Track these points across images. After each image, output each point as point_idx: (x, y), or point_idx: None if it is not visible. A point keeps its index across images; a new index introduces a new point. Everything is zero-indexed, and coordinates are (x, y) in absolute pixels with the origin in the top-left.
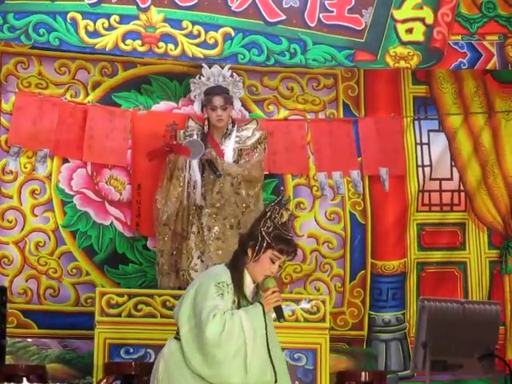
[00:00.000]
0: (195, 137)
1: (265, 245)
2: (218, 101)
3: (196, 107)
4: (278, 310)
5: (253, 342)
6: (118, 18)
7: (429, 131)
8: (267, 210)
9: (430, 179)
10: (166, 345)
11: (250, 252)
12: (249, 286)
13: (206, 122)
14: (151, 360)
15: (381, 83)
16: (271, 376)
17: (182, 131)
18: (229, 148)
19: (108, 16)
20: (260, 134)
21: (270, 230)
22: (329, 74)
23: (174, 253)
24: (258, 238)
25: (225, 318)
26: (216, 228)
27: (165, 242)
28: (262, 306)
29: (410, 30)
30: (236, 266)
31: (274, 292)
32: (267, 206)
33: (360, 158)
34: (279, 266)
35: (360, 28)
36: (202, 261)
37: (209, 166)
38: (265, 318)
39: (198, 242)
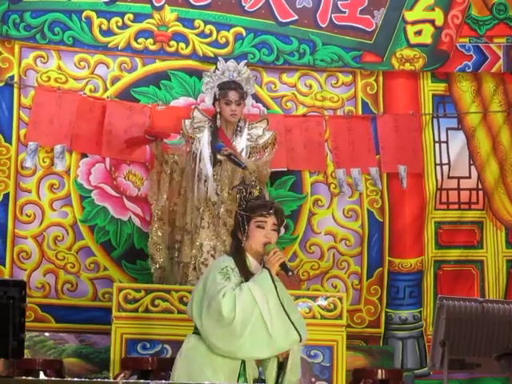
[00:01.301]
0: (206, 130)
1: (245, 219)
2: (233, 95)
3: (207, 100)
4: (284, 266)
5: (267, 308)
6: (132, 17)
7: (447, 129)
8: (236, 195)
9: (448, 177)
10: (185, 341)
11: (239, 235)
12: (254, 268)
13: (219, 116)
14: (168, 355)
15: (399, 81)
16: (295, 335)
17: (188, 121)
18: (241, 145)
19: (122, 14)
20: (270, 134)
21: (244, 206)
22: (347, 72)
23: (177, 246)
24: (238, 220)
25: (234, 293)
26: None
27: (159, 238)
28: (268, 269)
29: (418, 32)
30: (236, 251)
31: (275, 252)
32: (236, 191)
33: (378, 156)
34: (274, 231)
35: (370, 29)
36: (212, 256)
37: (231, 161)
38: (273, 280)
39: (207, 237)
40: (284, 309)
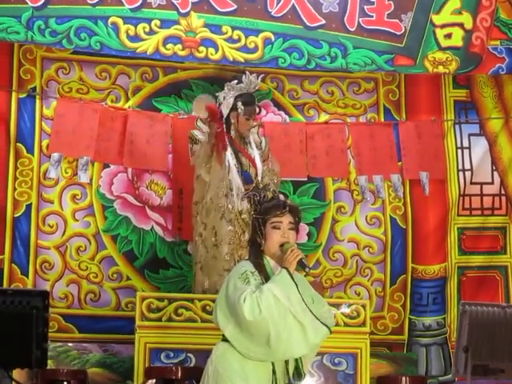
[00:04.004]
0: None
1: (261, 222)
2: (255, 111)
3: (224, 110)
4: (301, 263)
5: (292, 305)
6: (158, 23)
7: (469, 135)
8: (251, 200)
9: (471, 183)
10: (214, 348)
11: (258, 239)
12: (275, 269)
13: (232, 127)
14: (192, 364)
15: (421, 87)
16: (323, 327)
17: (197, 131)
18: (256, 155)
19: (149, 21)
20: (265, 138)
21: (259, 209)
22: (369, 78)
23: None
24: (255, 225)
25: (255, 295)
26: None
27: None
28: (286, 269)
29: (448, 35)
30: (255, 255)
31: (292, 250)
32: (251, 197)
33: (400, 162)
34: (291, 230)
35: (399, 33)
36: None
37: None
38: (292, 278)
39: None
40: (306, 305)
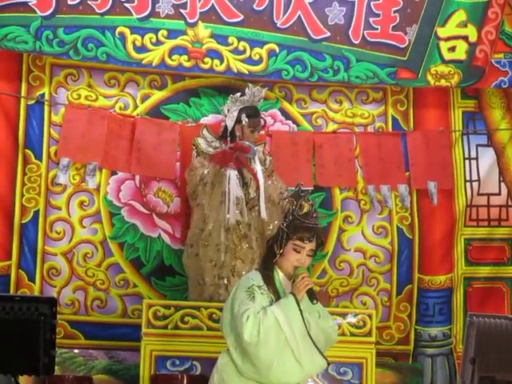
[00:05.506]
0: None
1: (284, 237)
2: (260, 123)
3: (228, 123)
4: (310, 293)
5: (292, 334)
6: (165, 33)
7: (477, 146)
8: (286, 205)
9: (478, 194)
10: (220, 357)
11: (275, 248)
12: (284, 283)
13: (238, 140)
14: (197, 372)
15: (430, 97)
16: (321, 359)
17: (201, 139)
18: (259, 170)
19: (156, 31)
20: (269, 157)
21: (289, 222)
22: (378, 88)
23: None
24: (279, 234)
25: (259, 316)
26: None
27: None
28: (294, 295)
29: (452, 49)
30: (265, 267)
31: (303, 278)
32: (286, 201)
33: (408, 173)
34: (309, 256)
35: (403, 46)
36: (232, 274)
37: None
38: (298, 305)
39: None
40: (309, 334)
